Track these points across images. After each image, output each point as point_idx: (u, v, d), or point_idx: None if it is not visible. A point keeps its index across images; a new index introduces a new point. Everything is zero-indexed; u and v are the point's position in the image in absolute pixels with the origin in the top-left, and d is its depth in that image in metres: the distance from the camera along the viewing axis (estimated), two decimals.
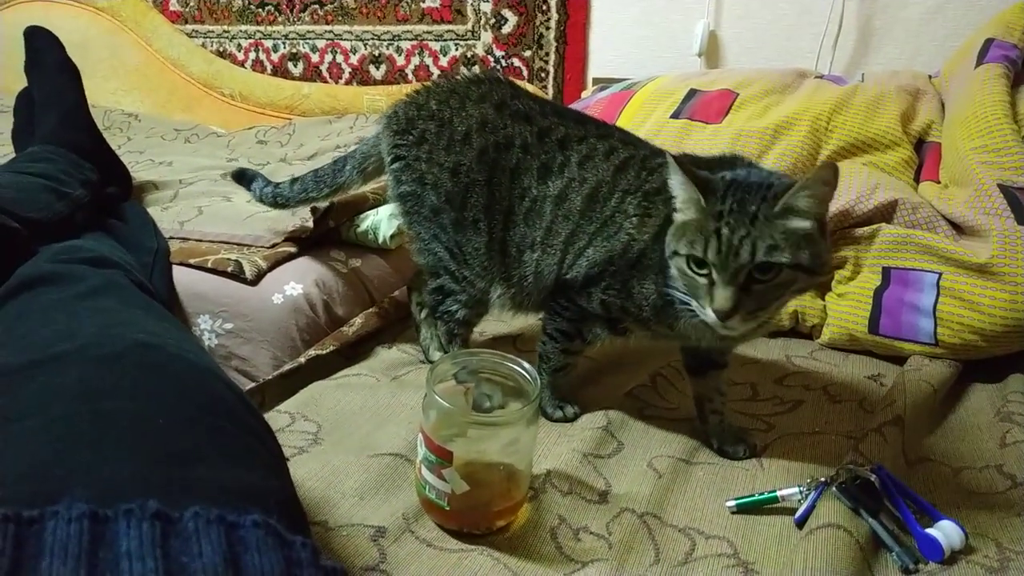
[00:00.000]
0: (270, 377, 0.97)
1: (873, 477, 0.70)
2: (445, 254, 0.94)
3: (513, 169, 0.88)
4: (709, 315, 0.69)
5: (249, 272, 1.15)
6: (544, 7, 1.88)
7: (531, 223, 0.87)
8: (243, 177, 1.30)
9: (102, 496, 0.38)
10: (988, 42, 1.23)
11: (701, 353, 0.86)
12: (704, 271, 0.69)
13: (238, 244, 1.26)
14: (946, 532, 0.66)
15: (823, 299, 1.12)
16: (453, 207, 0.91)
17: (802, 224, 0.67)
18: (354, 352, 1.06)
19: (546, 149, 0.87)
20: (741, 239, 0.66)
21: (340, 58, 2.23)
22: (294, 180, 1.17)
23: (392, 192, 0.99)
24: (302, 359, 1.00)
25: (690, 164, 0.71)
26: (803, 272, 0.67)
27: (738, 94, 1.33)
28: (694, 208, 0.70)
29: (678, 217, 0.73)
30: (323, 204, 1.21)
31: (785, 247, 0.66)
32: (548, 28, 1.90)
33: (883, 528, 0.67)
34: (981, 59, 1.21)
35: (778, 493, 0.73)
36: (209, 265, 1.18)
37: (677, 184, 0.71)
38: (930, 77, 1.36)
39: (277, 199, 1.20)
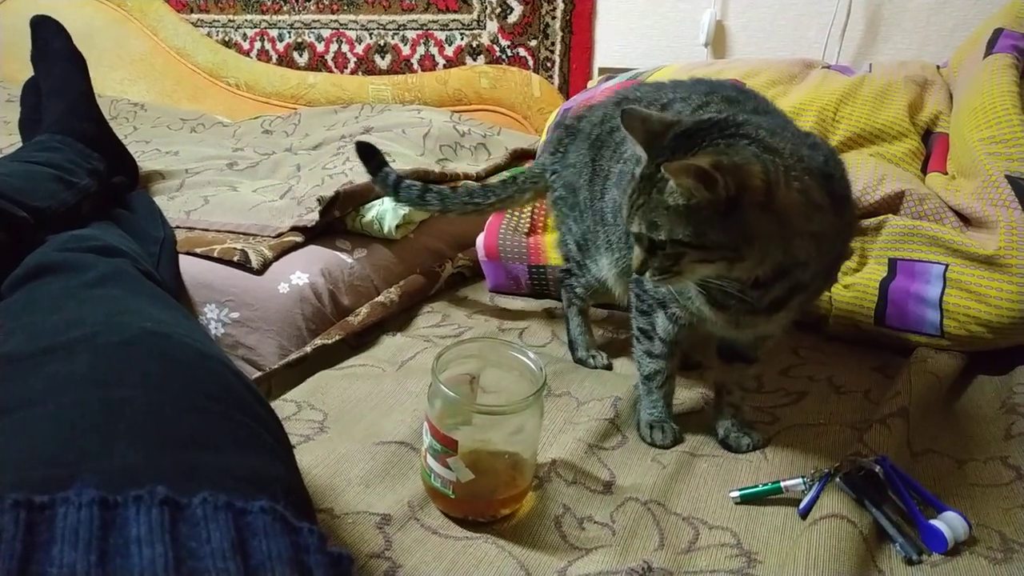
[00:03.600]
0: (276, 366, 0.97)
1: (877, 468, 0.70)
2: (574, 247, 1.05)
3: (618, 144, 0.93)
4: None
5: (255, 261, 1.15)
6: None
7: (621, 188, 0.88)
8: (370, 157, 1.15)
9: (111, 482, 0.39)
10: (997, 32, 1.22)
11: (732, 342, 0.85)
12: None
13: (244, 234, 1.27)
14: (950, 523, 0.66)
15: (829, 290, 1.12)
16: (579, 198, 1.00)
17: (680, 201, 0.64)
18: (360, 342, 1.07)
19: None
20: (637, 209, 0.68)
21: (345, 48, 2.22)
22: (454, 188, 1.17)
23: (549, 202, 1.11)
24: (308, 348, 1.00)
25: (650, 115, 0.70)
26: (689, 248, 0.65)
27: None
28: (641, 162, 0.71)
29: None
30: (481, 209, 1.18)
31: (665, 223, 0.65)
32: (554, 18, 1.90)
33: (887, 519, 0.67)
34: (990, 49, 1.20)
35: (782, 484, 0.73)
36: (215, 254, 1.18)
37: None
38: (938, 67, 1.36)
39: (428, 201, 1.13)
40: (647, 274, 0.69)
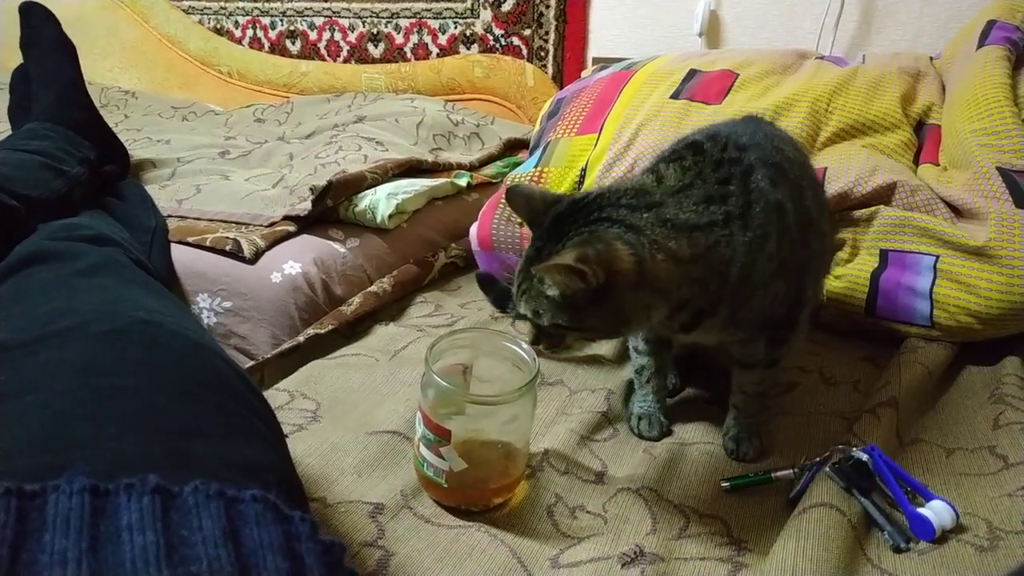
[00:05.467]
0: (269, 356, 0.97)
1: (866, 457, 0.71)
2: None
3: None
4: None
5: (247, 251, 1.15)
6: None
7: None
8: (490, 286, 1.12)
9: (103, 470, 0.39)
10: (990, 24, 1.22)
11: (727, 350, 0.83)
12: None
13: (236, 223, 1.26)
14: (937, 512, 0.67)
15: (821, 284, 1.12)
16: None
17: (554, 293, 0.67)
18: (352, 331, 1.07)
19: None
20: (521, 292, 0.70)
21: (338, 36, 2.21)
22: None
23: None
24: (301, 338, 1.00)
25: (533, 193, 0.73)
26: (572, 330, 0.69)
27: (738, 75, 1.32)
28: None
29: None
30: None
31: (545, 311, 0.68)
32: (548, 7, 1.89)
33: (875, 507, 0.68)
34: (983, 41, 1.20)
35: (772, 474, 0.74)
36: (207, 243, 1.18)
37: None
38: (931, 59, 1.36)
39: None
40: (540, 346, 0.72)
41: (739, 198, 0.70)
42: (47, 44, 1.46)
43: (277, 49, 2.32)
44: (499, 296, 1.07)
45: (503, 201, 1.28)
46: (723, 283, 0.69)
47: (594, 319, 0.67)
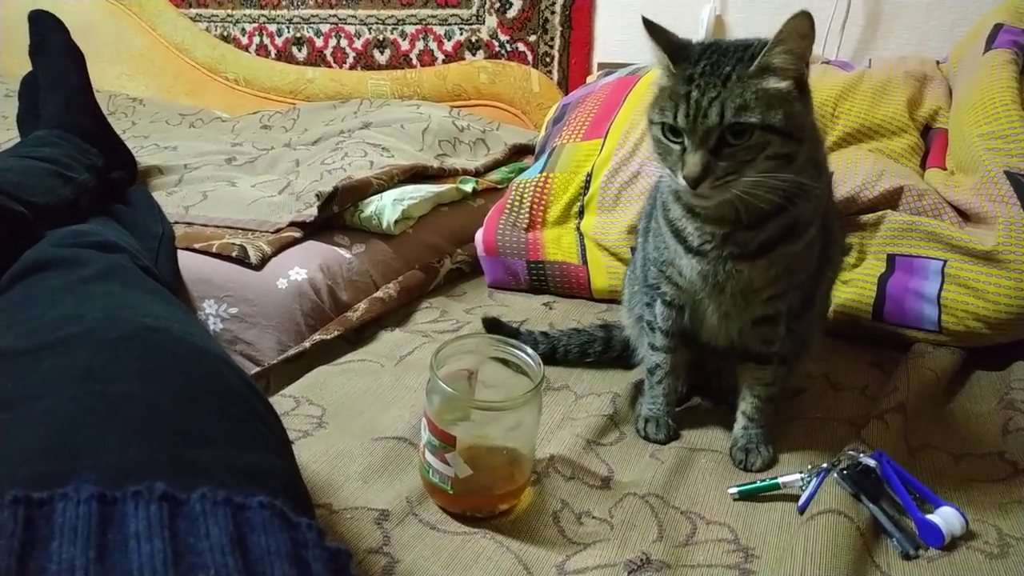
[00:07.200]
0: (275, 362, 0.97)
1: (874, 463, 0.70)
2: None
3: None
4: (680, 183, 0.68)
5: (254, 257, 1.15)
6: None
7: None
8: (498, 329, 1.02)
9: (110, 478, 0.39)
10: (997, 27, 1.22)
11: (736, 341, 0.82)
12: (678, 139, 0.69)
13: (243, 229, 1.27)
14: (946, 518, 0.67)
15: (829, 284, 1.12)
16: None
17: (778, 84, 0.66)
18: (358, 337, 1.07)
19: None
20: (711, 100, 0.65)
21: (344, 43, 2.22)
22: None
23: None
24: (307, 344, 1.00)
25: (665, 30, 0.73)
26: (776, 135, 0.66)
27: None
28: (665, 74, 0.71)
29: (655, 85, 0.73)
30: None
31: (756, 107, 0.65)
32: (553, 12, 1.89)
33: (884, 514, 0.68)
34: (990, 44, 1.20)
35: (780, 480, 0.73)
36: (214, 250, 1.18)
37: (650, 50, 0.72)
38: (938, 63, 1.35)
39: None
40: (705, 183, 0.66)
41: (822, 131, 0.75)
42: (55, 51, 1.46)
43: (283, 56, 2.33)
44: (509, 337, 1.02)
45: (508, 206, 1.28)
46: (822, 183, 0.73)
47: (799, 117, 0.67)
